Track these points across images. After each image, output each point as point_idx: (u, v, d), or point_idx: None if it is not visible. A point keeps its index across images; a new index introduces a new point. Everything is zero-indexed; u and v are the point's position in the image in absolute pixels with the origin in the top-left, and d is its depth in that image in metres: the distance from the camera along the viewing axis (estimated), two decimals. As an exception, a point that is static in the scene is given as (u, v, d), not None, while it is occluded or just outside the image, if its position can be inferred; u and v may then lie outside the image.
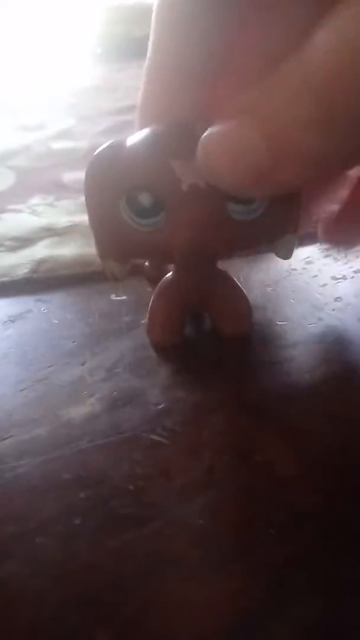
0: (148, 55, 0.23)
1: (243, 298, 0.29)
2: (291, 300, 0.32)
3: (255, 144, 0.18)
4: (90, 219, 0.25)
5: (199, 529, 0.20)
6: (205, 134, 0.20)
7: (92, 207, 0.25)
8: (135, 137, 0.23)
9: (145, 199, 0.23)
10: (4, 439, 0.24)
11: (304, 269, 0.35)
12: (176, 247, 0.23)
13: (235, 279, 0.29)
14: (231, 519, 0.20)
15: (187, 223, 0.23)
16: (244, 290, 0.29)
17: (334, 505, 0.20)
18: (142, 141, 0.23)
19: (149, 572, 0.18)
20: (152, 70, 0.23)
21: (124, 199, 0.23)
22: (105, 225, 0.25)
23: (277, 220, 0.25)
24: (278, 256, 0.27)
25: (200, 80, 0.22)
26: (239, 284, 0.29)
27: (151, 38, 0.23)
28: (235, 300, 0.29)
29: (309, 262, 0.36)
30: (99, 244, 0.26)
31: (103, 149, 0.24)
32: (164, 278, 0.29)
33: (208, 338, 0.29)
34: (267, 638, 0.17)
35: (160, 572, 0.18)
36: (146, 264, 0.33)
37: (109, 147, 0.24)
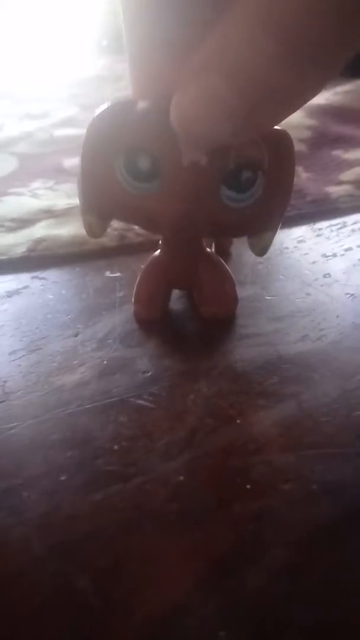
0: (125, 29, 0.23)
1: (228, 280, 0.29)
2: (281, 277, 0.33)
3: (224, 94, 0.17)
4: (81, 171, 0.25)
5: (179, 484, 0.20)
6: (174, 98, 0.20)
7: (87, 159, 0.24)
8: (147, 101, 0.23)
9: (144, 162, 0.23)
10: (-4, 404, 0.25)
11: (295, 247, 0.36)
12: (163, 216, 0.24)
13: (222, 261, 0.30)
14: (209, 475, 0.21)
15: (178, 196, 0.23)
16: (230, 272, 0.30)
17: (308, 463, 0.21)
18: (152, 105, 0.23)
19: (128, 524, 0.19)
20: (133, 43, 0.23)
21: (123, 158, 0.23)
22: (95, 180, 0.24)
23: (262, 215, 0.25)
24: (253, 252, 0.27)
25: (181, 52, 0.23)
26: (225, 266, 0.30)
27: (125, 10, 0.23)
28: (220, 282, 0.29)
29: (300, 241, 0.37)
30: (84, 197, 0.25)
31: (111, 104, 0.23)
32: (152, 255, 0.30)
33: (195, 312, 0.30)
34: (239, 584, 0.17)
35: (139, 524, 0.19)
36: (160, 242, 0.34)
37: (116, 103, 0.23)
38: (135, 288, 0.30)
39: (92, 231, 0.26)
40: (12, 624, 0.17)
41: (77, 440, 0.23)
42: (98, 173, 0.24)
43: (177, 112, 0.20)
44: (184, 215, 0.23)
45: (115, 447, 0.22)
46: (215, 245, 0.33)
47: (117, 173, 0.23)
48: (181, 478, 0.21)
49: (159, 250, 0.29)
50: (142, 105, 0.23)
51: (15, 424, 0.23)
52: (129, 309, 0.30)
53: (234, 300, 0.29)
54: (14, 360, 0.27)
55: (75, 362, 0.27)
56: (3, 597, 0.17)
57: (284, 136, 0.24)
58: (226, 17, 0.17)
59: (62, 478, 0.21)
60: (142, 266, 0.31)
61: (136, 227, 0.38)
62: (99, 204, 0.26)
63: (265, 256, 0.35)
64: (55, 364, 0.27)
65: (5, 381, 0.26)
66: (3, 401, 0.25)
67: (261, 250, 0.27)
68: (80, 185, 0.25)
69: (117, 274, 0.34)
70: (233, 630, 0.16)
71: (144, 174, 0.23)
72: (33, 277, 0.34)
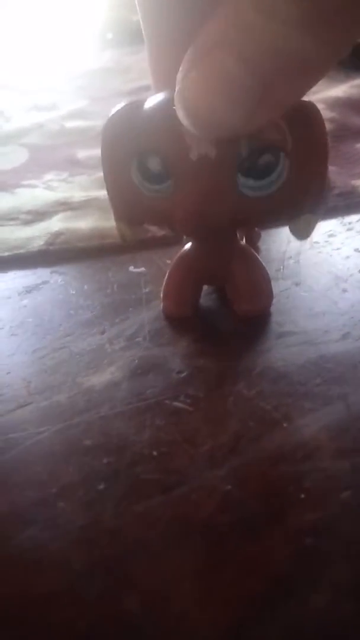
0: (143, 26, 0.22)
1: (263, 275, 0.28)
2: (314, 272, 0.32)
3: (237, 72, 0.16)
4: (105, 179, 0.24)
5: (227, 494, 0.19)
6: (177, 86, 0.18)
7: (107, 167, 0.24)
8: (152, 99, 0.22)
9: (154, 164, 0.22)
10: (23, 406, 0.23)
11: (326, 241, 0.35)
12: (179, 217, 0.22)
13: (256, 255, 0.28)
14: (259, 484, 0.19)
15: (191, 194, 0.21)
16: (265, 267, 0.28)
17: (367, 471, 0.19)
18: (157, 104, 0.22)
19: (175, 537, 0.18)
20: (153, 38, 0.22)
21: (136, 162, 0.22)
22: (117, 187, 0.24)
23: (294, 198, 0.23)
24: (294, 236, 0.25)
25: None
26: (260, 260, 0.28)
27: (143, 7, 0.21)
28: (253, 277, 0.28)
29: (331, 235, 0.35)
30: (113, 205, 0.25)
31: (119, 108, 0.23)
32: (182, 249, 0.28)
33: (228, 308, 0.28)
34: (302, 605, 0.16)
35: (187, 538, 0.18)
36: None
37: (125, 106, 0.23)
38: (164, 283, 0.28)
39: (123, 237, 0.25)
40: (57, 651, 0.15)
41: (112, 445, 0.21)
42: (118, 178, 0.23)
43: (183, 100, 0.18)
44: (199, 212, 0.22)
45: (154, 453, 0.21)
46: (245, 239, 0.31)
47: (133, 176, 0.22)
48: (229, 487, 0.19)
49: (189, 244, 0.28)
50: (148, 104, 0.22)
51: (44, 428, 0.22)
52: (157, 305, 0.29)
53: (269, 296, 0.28)
54: (38, 359, 0.26)
55: (104, 361, 0.25)
56: (43, 622, 0.16)
57: (309, 108, 0.22)
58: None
59: (100, 487, 0.19)
60: (168, 261, 0.29)
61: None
62: (125, 209, 0.25)
63: (295, 251, 0.33)
64: (82, 363, 0.25)
65: (29, 382, 0.24)
66: (30, 403, 0.23)
67: (302, 234, 0.24)
68: (108, 194, 0.25)
69: (142, 269, 0.32)
70: (301, 658, 0.15)
71: (155, 175, 0.22)
72: (52, 272, 0.33)
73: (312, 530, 0.18)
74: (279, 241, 0.34)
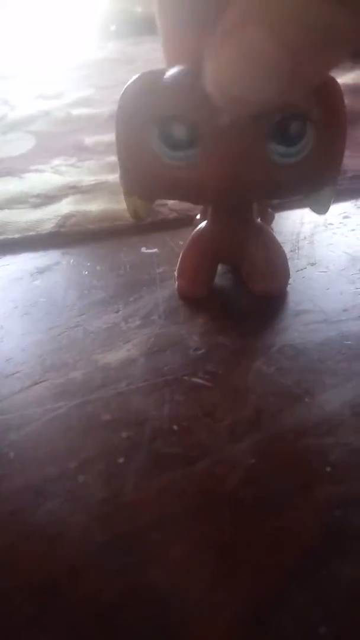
0: (157, 9, 0.21)
1: (280, 254, 0.27)
2: (329, 252, 0.31)
3: (268, 46, 0.16)
4: (118, 150, 0.23)
5: (251, 468, 0.19)
6: (207, 62, 0.17)
7: (121, 137, 0.23)
8: (174, 69, 0.22)
9: (180, 130, 0.21)
10: (40, 382, 0.23)
11: (340, 223, 0.34)
12: (209, 184, 0.21)
13: (272, 233, 0.28)
14: (283, 458, 0.19)
15: (222, 159, 0.21)
16: (281, 246, 0.28)
17: (393, 445, 0.19)
18: (182, 71, 0.22)
19: (200, 510, 0.17)
20: (166, 22, 0.22)
21: (157, 129, 0.22)
22: (133, 158, 0.23)
23: (318, 168, 0.23)
24: (313, 210, 0.25)
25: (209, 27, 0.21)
26: (276, 238, 0.28)
27: None
28: (270, 256, 0.27)
29: (346, 217, 0.35)
30: (124, 178, 0.24)
31: (139, 75, 0.22)
32: (197, 228, 0.28)
33: (243, 288, 0.28)
34: (332, 576, 0.15)
35: (212, 511, 0.17)
36: (197, 217, 0.32)
37: (144, 74, 0.22)
38: (178, 263, 0.28)
39: (136, 213, 0.25)
40: (79, 625, 0.15)
41: (131, 420, 0.21)
42: (134, 149, 0.22)
43: (215, 75, 0.17)
44: (231, 178, 0.21)
45: (175, 427, 0.20)
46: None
47: (153, 146, 0.22)
48: (252, 461, 0.19)
49: (204, 223, 0.27)
50: (170, 72, 0.21)
51: (61, 403, 0.21)
52: (171, 285, 0.28)
53: (286, 275, 0.27)
54: (52, 337, 0.25)
55: (119, 339, 0.25)
56: (66, 594, 0.15)
57: (331, 82, 0.22)
58: None
59: (120, 461, 0.19)
60: (181, 242, 0.29)
61: (169, 202, 0.36)
62: (140, 182, 0.24)
63: (309, 232, 0.33)
64: (97, 341, 0.25)
65: (44, 359, 0.24)
66: (45, 380, 0.23)
67: (323, 208, 0.24)
68: (120, 165, 0.24)
69: (154, 250, 0.32)
70: (334, 625, 0.14)
71: (182, 142, 0.21)
72: (64, 253, 0.32)
73: (340, 502, 0.17)
74: (292, 223, 0.34)
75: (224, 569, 0.16)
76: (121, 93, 0.22)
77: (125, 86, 0.22)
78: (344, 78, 0.56)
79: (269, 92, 0.17)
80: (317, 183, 0.23)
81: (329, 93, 0.22)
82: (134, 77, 0.22)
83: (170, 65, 0.23)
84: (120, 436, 0.20)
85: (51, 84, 0.69)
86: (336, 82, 0.22)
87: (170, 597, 0.15)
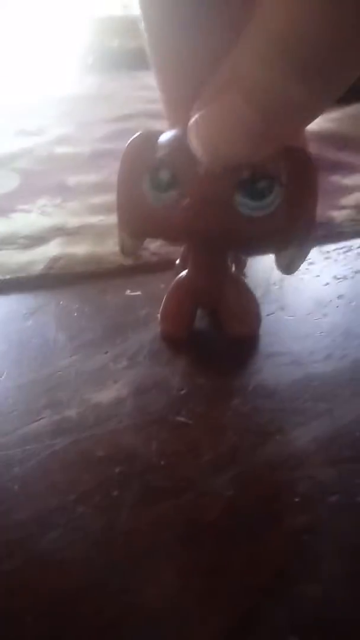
0: (150, 56, 0.25)
1: (252, 299, 0.31)
2: (296, 298, 0.34)
3: (245, 112, 0.18)
4: (117, 194, 0.27)
5: (230, 499, 0.21)
6: (192, 118, 0.21)
7: (121, 181, 0.26)
8: (167, 132, 0.25)
9: (165, 174, 0.24)
10: (37, 420, 0.25)
11: (306, 269, 0.37)
12: (182, 225, 0.24)
13: (245, 281, 0.31)
14: (258, 489, 0.22)
15: (194, 202, 0.24)
16: (254, 294, 0.31)
17: (350, 476, 0.22)
18: (171, 132, 0.25)
19: (187, 538, 0.20)
20: (158, 76, 0.25)
21: (149, 175, 0.25)
22: (126, 200, 0.27)
23: (285, 226, 0.25)
24: (279, 269, 0.27)
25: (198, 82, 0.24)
26: (248, 286, 0.31)
27: (148, 42, 0.24)
28: (244, 301, 0.31)
29: (311, 264, 0.38)
30: (119, 216, 0.27)
31: (140, 133, 0.26)
32: (179, 275, 0.31)
33: (220, 331, 0.31)
34: (301, 593, 0.18)
35: (198, 538, 0.20)
36: (177, 262, 0.35)
37: (144, 132, 0.26)
38: (161, 307, 0.31)
39: (125, 249, 0.28)
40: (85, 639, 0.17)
41: (122, 456, 0.23)
42: (130, 191, 0.26)
43: (198, 132, 0.21)
44: (201, 221, 0.24)
45: (162, 462, 0.23)
46: (234, 267, 0.34)
47: (144, 190, 0.25)
48: (231, 492, 0.21)
49: (184, 272, 0.30)
50: (163, 134, 0.25)
51: (59, 440, 0.24)
52: (155, 327, 0.31)
53: (258, 319, 0.31)
54: (47, 376, 0.28)
55: (109, 379, 0.27)
56: (72, 612, 0.18)
57: (302, 150, 0.25)
58: (241, 39, 0.18)
59: (114, 494, 0.21)
60: (162, 285, 0.31)
61: (151, 246, 0.39)
62: (131, 221, 0.27)
63: (278, 277, 0.36)
64: (89, 380, 0.27)
65: (40, 397, 0.26)
66: (42, 417, 0.25)
67: (287, 267, 0.27)
68: (117, 205, 0.27)
69: (138, 292, 0.35)
70: (303, 634, 0.17)
71: (165, 184, 0.24)
72: (53, 295, 0.35)
73: (306, 529, 0.20)
74: (263, 268, 0.37)
75: (208, 589, 0.18)
76: (126, 146, 0.26)
77: (128, 141, 0.26)
78: (311, 125, 0.60)
79: (243, 149, 0.20)
80: (283, 241, 0.26)
81: (299, 161, 0.25)
82: (136, 134, 0.26)
83: (167, 107, 0.27)
84: (114, 471, 0.22)
85: (32, 118, 0.72)
86: (306, 151, 0.25)
87: (164, 613, 0.18)
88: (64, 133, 0.66)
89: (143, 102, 0.78)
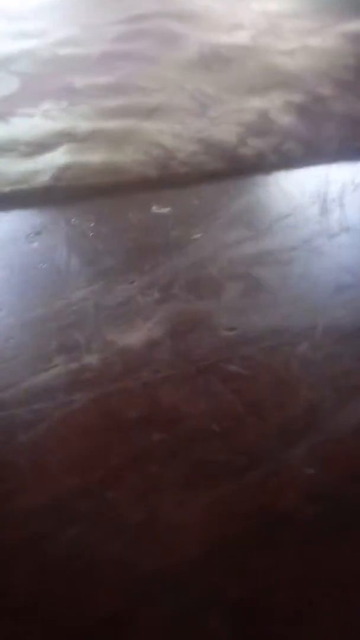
0: None
1: None
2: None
3: None
4: None
5: (310, 480, 0.16)
6: None
7: None
8: None
9: None
10: (48, 369, 0.19)
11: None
12: None
13: None
14: (346, 466, 0.16)
15: None
16: None
17: None
18: None
19: (258, 537, 0.14)
20: None
21: None
22: None
23: None
24: None
25: None
26: None
27: None
28: None
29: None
30: None
31: None
32: None
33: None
34: None
35: (273, 537, 0.14)
36: None
37: None
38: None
39: None
40: None
41: (161, 418, 0.17)
42: None
43: None
44: None
45: (215, 428, 0.17)
46: None
47: None
48: (311, 471, 0.16)
49: None
50: None
51: (77, 396, 0.18)
52: (190, 251, 0.25)
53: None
54: (58, 312, 0.22)
55: (138, 317, 0.21)
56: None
57: None
58: None
59: (153, 471, 0.16)
60: (196, 202, 0.25)
61: (180, 155, 0.32)
62: None
63: (337, 193, 0.29)
64: (112, 318, 0.21)
65: (51, 339, 0.20)
66: (54, 366, 0.19)
67: None
68: None
69: (167, 209, 0.28)
70: None
71: None
72: (63, 211, 0.28)
73: None
74: (317, 182, 0.31)
75: (298, 608, 0.13)
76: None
77: None
78: (354, 24, 0.52)
79: None
80: None
81: None
82: None
83: None
84: (151, 439, 0.17)
85: (32, 20, 0.63)
86: None
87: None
88: (68, 35, 0.58)
89: (158, 1, 0.68)
